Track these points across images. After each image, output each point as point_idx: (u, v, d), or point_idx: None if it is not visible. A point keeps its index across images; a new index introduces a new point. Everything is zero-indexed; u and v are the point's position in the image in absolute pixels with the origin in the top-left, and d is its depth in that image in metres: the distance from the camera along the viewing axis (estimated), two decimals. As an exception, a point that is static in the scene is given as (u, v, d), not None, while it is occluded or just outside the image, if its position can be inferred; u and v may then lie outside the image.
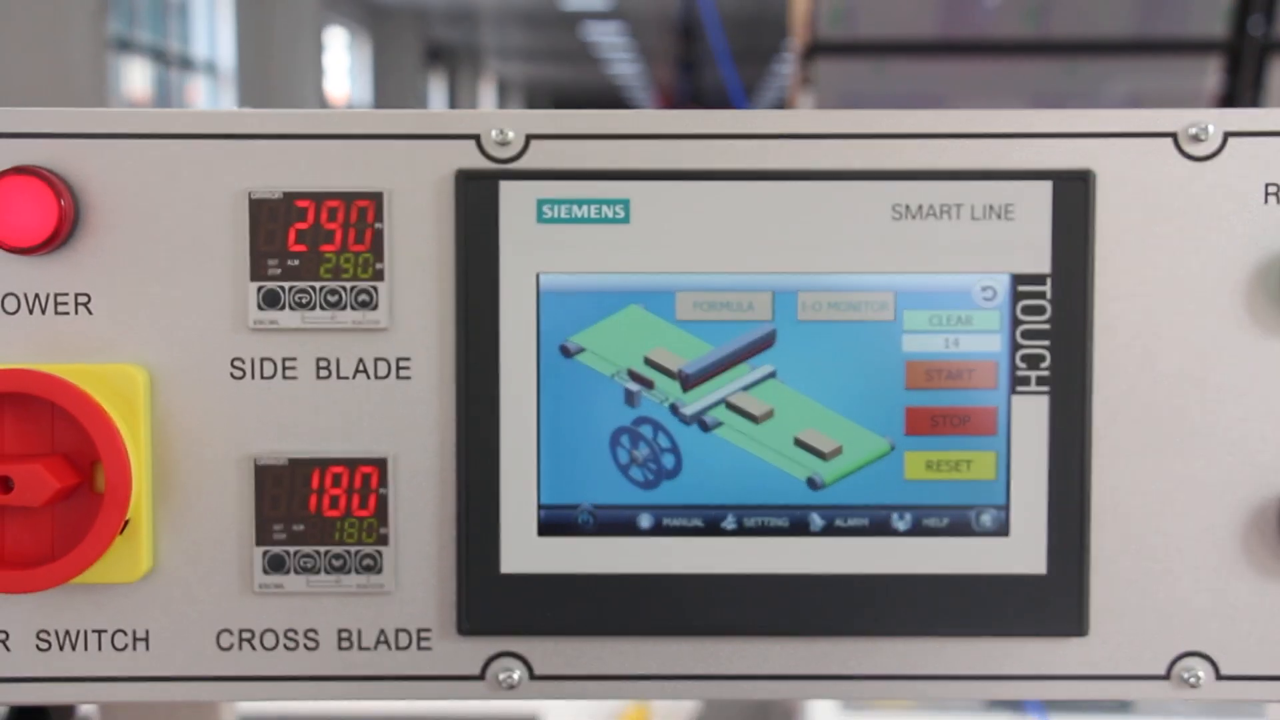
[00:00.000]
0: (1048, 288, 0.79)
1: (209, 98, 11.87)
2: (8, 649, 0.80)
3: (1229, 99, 3.85)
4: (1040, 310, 0.79)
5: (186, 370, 0.79)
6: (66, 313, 0.79)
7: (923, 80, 4.01)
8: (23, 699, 0.81)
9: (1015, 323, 0.79)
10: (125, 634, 0.80)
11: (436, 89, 19.57)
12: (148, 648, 0.81)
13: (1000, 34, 3.98)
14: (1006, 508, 0.80)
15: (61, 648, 0.80)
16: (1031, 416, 0.79)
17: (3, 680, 0.80)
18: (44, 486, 0.75)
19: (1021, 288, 0.79)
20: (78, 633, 0.80)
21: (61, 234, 0.78)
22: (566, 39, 17.98)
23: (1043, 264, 0.79)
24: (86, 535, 0.75)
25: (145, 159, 0.79)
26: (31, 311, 0.79)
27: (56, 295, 0.79)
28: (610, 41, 18.44)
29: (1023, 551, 0.80)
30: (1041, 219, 0.79)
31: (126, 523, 0.77)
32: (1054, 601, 0.80)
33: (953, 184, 0.79)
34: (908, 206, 0.79)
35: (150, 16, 10.78)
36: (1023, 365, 0.79)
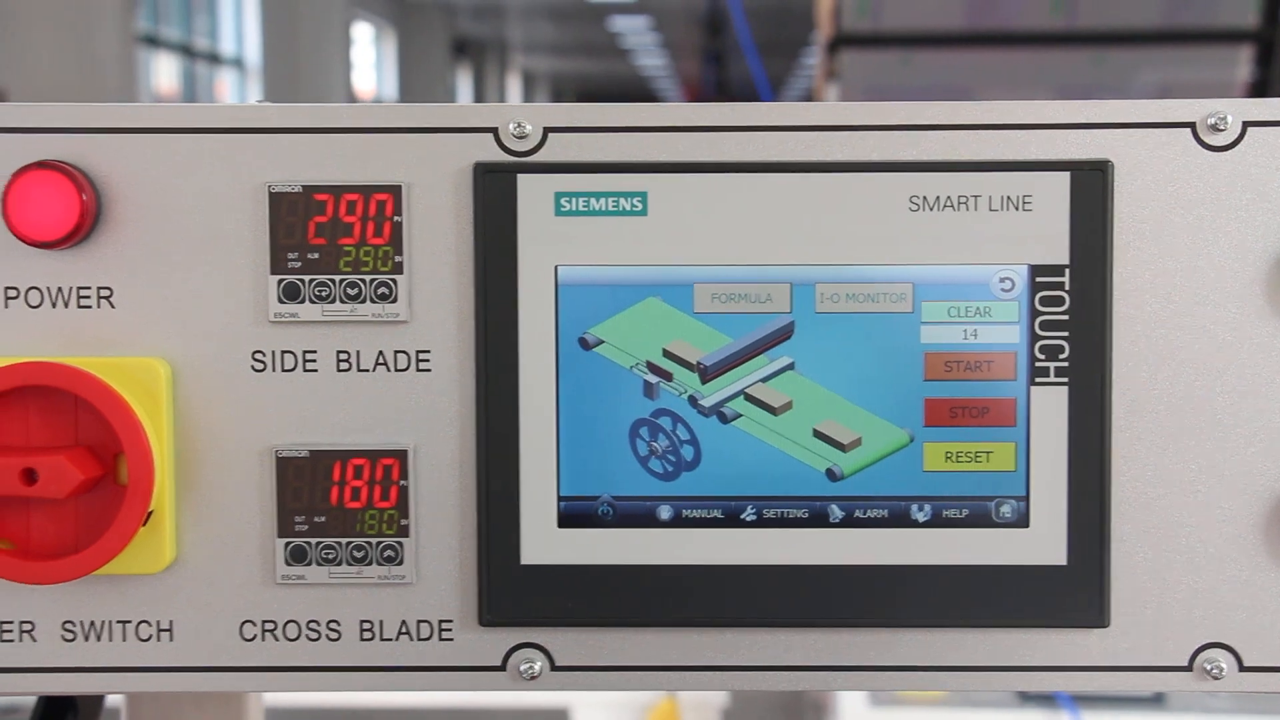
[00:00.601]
0: (1066, 279, 0.79)
1: (236, 93, 11.92)
2: (34, 639, 0.81)
3: (1260, 89, 3.82)
4: (1059, 301, 0.79)
5: (208, 363, 0.80)
6: (89, 306, 0.80)
7: (949, 72, 4.00)
8: (48, 689, 0.82)
9: (1034, 314, 0.79)
10: (149, 625, 0.81)
11: (463, 83, 19.60)
12: (172, 638, 0.81)
13: (1027, 25, 3.96)
14: (1026, 499, 0.80)
15: (87, 638, 0.81)
16: (1051, 407, 0.79)
17: (29, 670, 0.81)
18: (68, 478, 0.75)
19: (1040, 279, 0.79)
20: (103, 623, 0.81)
21: (84, 228, 0.78)
22: (593, 32, 17.98)
23: (1061, 255, 0.79)
24: (110, 527, 0.76)
25: (166, 153, 0.79)
26: (54, 305, 0.80)
27: (79, 289, 0.80)
28: (636, 35, 18.43)
29: (1043, 542, 0.80)
30: (1060, 210, 0.79)
31: (150, 514, 0.78)
32: (1074, 593, 0.80)
33: (971, 175, 0.79)
34: (925, 198, 0.79)
35: (178, 12, 10.84)
36: (1042, 356, 0.79)
